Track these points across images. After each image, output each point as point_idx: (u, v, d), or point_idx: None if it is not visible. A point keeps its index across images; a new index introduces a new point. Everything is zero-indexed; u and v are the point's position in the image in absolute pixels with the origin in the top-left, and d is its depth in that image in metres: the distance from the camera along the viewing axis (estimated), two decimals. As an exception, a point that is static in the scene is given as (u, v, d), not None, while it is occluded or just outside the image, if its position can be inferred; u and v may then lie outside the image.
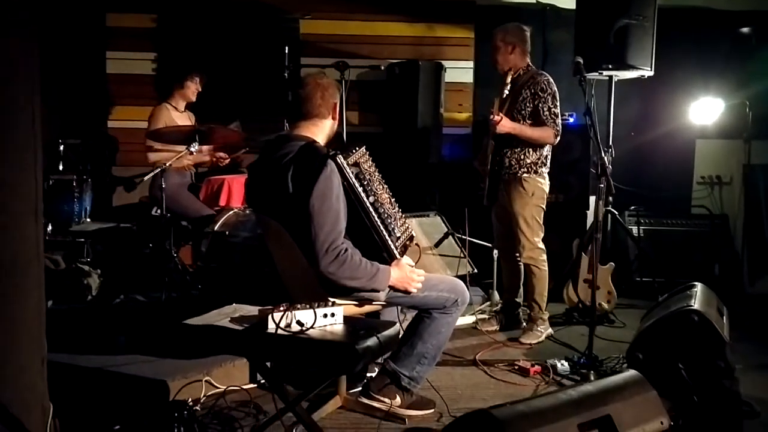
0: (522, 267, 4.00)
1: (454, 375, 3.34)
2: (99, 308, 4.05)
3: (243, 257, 3.67)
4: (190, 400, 2.69)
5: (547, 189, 3.89)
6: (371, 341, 2.24)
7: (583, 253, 4.26)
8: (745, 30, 5.55)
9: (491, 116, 3.74)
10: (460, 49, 5.67)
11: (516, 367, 3.41)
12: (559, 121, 3.78)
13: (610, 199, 4.02)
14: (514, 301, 4.17)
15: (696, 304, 2.76)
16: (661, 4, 4.21)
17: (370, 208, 2.49)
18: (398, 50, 5.59)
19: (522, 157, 3.81)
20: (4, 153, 1.95)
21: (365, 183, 2.52)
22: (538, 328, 3.91)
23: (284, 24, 5.52)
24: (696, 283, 3.09)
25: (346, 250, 2.39)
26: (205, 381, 2.90)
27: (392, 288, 2.55)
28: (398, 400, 2.77)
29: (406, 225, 2.73)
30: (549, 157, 3.89)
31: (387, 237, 2.52)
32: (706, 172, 5.63)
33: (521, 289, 4.12)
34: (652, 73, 4.23)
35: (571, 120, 4.94)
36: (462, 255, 4.13)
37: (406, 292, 2.58)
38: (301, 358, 2.34)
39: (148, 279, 4.30)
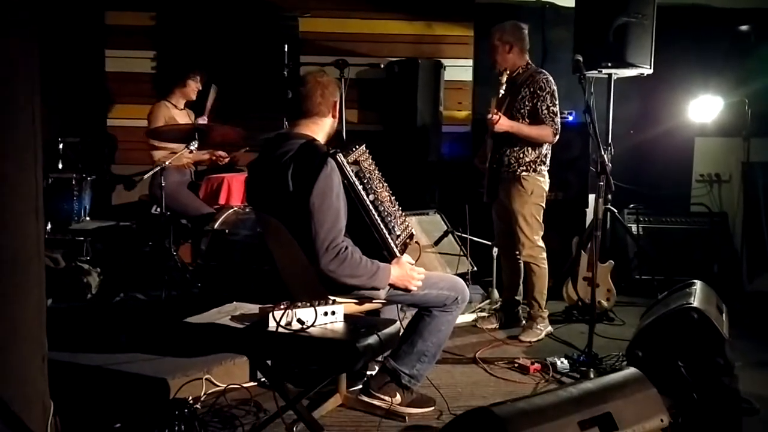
0: (522, 265, 4.01)
1: (454, 373, 3.34)
2: (99, 307, 4.05)
3: (243, 255, 3.68)
4: (190, 398, 2.70)
5: (546, 187, 3.89)
6: (372, 339, 2.25)
7: (582, 251, 4.26)
8: (744, 28, 5.55)
9: (489, 115, 3.74)
10: (459, 47, 5.67)
11: (516, 365, 3.42)
12: (557, 119, 3.78)
13: (610, 197, 4.02)
14: (513, 299, 4.17)
15: (695, 301, 2.77)
16: (660, 1, 4.21)
17: (370, 206, 2.49)
18: (397, 48, 5.59)
19: (521, 155, 3.81)
20: (4, 152, 1.95)
21: (365, 181, 2.52)
22: (538, 326, 3.92)
23: (283, 22, 5.51)
24: (695, 280, 3.10)
25: (347, 248, 2.39)
26: (206, 379, 2.90)
27: (392, 286, 2.56)
28: (398, 398, 2.77)
29: (406, 223, 2.73)
30: (548, 155, 3.89)
31: (387, 235, 2.53)
32: (705, 170, 5.63)
33: (521, 287, 4.13)
34: (651, 71, 4.23)
35: (571, 118, 4.94)
36: (462, 253, 4.13)
37: (407, 290, 2.59)
38: (301, 356, 2.34)
39: (148, 277, 4.30)
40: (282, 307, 2.26)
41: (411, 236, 2.77)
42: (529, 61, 3.91)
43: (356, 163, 2.53)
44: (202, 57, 5.30)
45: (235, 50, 5.47)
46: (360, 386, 2.88)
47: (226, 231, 3.76)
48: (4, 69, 1.93)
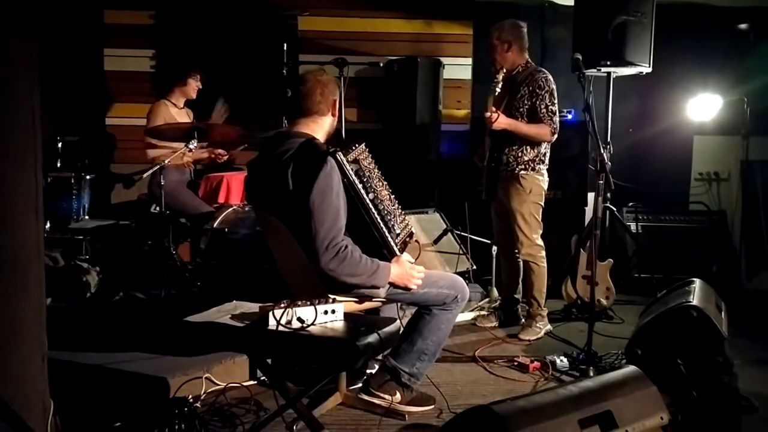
0: (521, 263, 4.01)
1: (453, 371, 3.35)
2: (98, 305, 4.05)
3: (242, 254, 3.68)
4: (190, 397, 2.69)
5: (545, 186, 3.89)
6: (372, 338, 2.25)
7: (581, 250, 4.27)
8: (743, 26, 5.55)
9: (487, 113, 3.74)
10: (458, 46, 5.67)
11: (515, 364, 3.42)
12: (556, 118, 3.78)
13: (609, 195, 4.02)
14: (513, 297, 4.17)
15: (695, 300, 2.77)
16: (659, 0, 4.21)
17: (370, 205, 2.49)
18: (397, 47, 5.59)
19: (519, 154, 3.81)
20: (4, 152, 1.95)
21: (365, 180, 2.52)
22: (537, 325, 3.92)
23: (282, 21, 5.51)
24: (694, 279, 3.10)
25: (346, 247, 2.40)
26: (206, 378, 2.90)
27: (392, 285, 2.56)
28: (398, 396, 2.77)
29: (406, 222, 2.73)
30: (547, 154, 3.89)
31: (387, 234, 2.53)
32: (704, 169, 5.63)
33: (520, 286, 4.13)
34: (650, 70, 4.23)
35: (570, 116, 4.95)
36: (461, 252, 4.14)
37: (406, 288, 2.59)
38: (301, 354, 2.34)
39: (148, 276, 4.30)
40: (282, 305, 2.26)
41: (411, 235, 2.77)
42: (529, 60, 3.90)
43: (356, 161, 2.53)
44: (200, 56, 5.30)
45: (234, 49, 5.47)
46: (360, 385, 2.88)
47: (226, 230, 3.76)
48: (4, 69, 1.93)
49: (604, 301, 4.25)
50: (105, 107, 5.57)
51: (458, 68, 5.65)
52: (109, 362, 2.94)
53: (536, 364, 3.36)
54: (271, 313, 2.24)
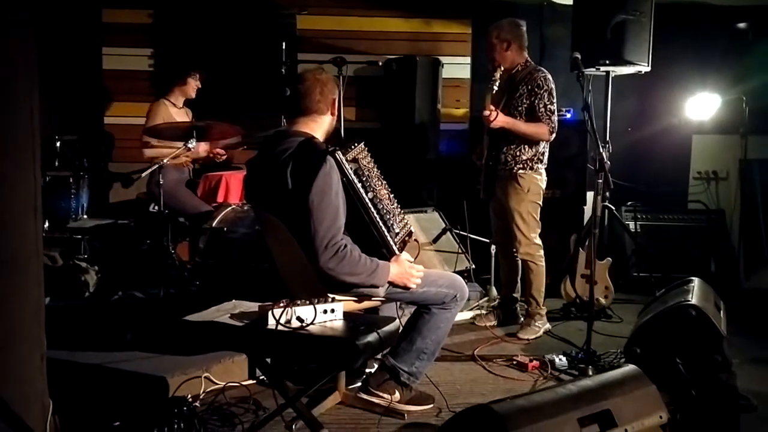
0: (519, 262, 4.01)
1: (452, 370, 3.35)
2: (97, 305, 4.05)
3: (241, 253, 3.68)
4: (189, 396, 2.69)
5: (543, 185, 3.89)
6: (371, 337, 2.25)
7: (580, 249, 4.27)
8: (742, 25, 5.55)
9: (485, 112, 3.73)
10: (457, 45, 5.67)
11: (514, 362, 3.42)
12: (554, 117, 3.78)
13: (608, 194, 4.02)
14: (511, 296, 4.17)
15: (693, 298, 2.78)
16: (658, -1, 4.22)
17: (369, 204, 2.49)
18: (395, 46, 5.59)
19: (518, 153, 3.81)
20: (3, 152, 1.95)
21: (364, 179, 2.52)
22: (536, 324, 3.92)
23: (281, 19, 5.51)
24: (693, 278, 3.10)
25: (346, 246, 2.40)
26: (205, 377, 2.90)
27: (391, 284, 2.56)
28: (397, 395, 2.77)
29: (405, 221, 2.74)
30: (546, 153, 3.88)
31: (386, 233, 2.53)
32: (702, 168, 5.63)
33: (519, 285, 4.13)
34: (649, 69, 4.23)
35: (569, 115, 4.94)
36: (460, 251, 4.14)
37: (406, 287, 2.59)
38: (301, 353, 2.34)
39: (146, 275, 4.29)
40: (281, 304, 2.26)
41: (410, 234, 2.77)
42: (528, 59, 3.90)
43: (355, 160, 2.53)
44: (199, 55, 5.29)
45: (233, 48, 5.47)
46: (359, 384, 2.88)
47: (225, 229, 3.76)
48: (4, 69, 1.93)
49: (602, 300, 4.25)
50: (103, 106, 5.56)
51: (457, 67, 5.65)
52: (108, 361, 2.94)
53: (535, 363, 3.36)
54: (270, 313, 2.24)
